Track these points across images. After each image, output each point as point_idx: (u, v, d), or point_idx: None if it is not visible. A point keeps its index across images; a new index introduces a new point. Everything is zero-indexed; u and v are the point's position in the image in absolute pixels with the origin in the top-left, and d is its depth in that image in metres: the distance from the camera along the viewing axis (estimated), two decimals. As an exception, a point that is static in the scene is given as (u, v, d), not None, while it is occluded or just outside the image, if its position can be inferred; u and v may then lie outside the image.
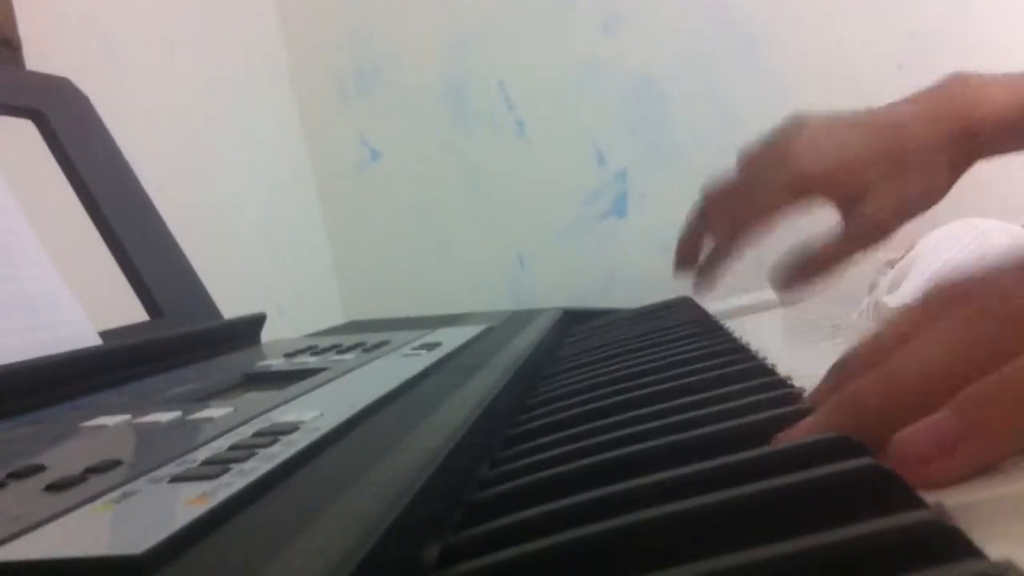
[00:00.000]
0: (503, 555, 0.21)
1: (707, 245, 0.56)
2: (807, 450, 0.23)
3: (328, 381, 0.40)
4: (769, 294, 0.57)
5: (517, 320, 0.64)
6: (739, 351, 0.42)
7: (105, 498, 0.23)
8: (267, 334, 0.63)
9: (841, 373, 0.28)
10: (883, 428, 0.23)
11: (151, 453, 0.28)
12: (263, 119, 1.21)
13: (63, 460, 0.28)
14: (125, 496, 0.23)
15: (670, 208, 1.22)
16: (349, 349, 0.50)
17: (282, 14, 1.27)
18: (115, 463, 0.26)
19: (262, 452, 0.26)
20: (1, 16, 0.72)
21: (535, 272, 1.25)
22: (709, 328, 0.53)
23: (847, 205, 0.51)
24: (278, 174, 1.22)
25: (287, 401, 0.35)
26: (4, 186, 0.49)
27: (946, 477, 0.21)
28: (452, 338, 0.52)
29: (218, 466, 0.25)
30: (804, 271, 0.52)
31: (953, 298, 0.27)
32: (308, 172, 1.29)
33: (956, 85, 0.51)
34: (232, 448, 0.27)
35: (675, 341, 0.48)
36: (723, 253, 0.55)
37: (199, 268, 0.63)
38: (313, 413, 0.32)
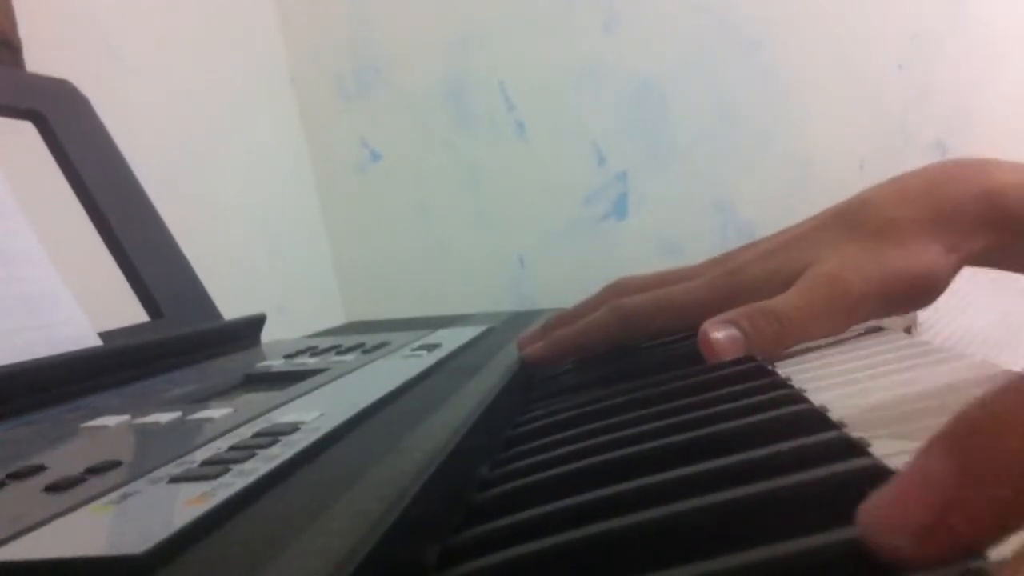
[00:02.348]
0: (503, 556, 0.21)
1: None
2: (807, 450, 0.23)
3: (328, 382, 0.40)
4: None
5: (518, 321, 0.64)
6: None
7: (105, 498, 0.23)
8: (267, 334, 0.63)
9: None
10: None
11: (151, 453, 0.28)
12: (263, 119, 1.21)
13: (63, 460, 0.28)
14: (125, 496, 0.23)
15: (670, 209, 1.23)
16: (349, 350, 0.50)
17: (282, 14, 1.27)
18: (115, 463, 0.26)
19: (262, 453, 0.26)
20: (1, 17, 0.72)
21: (535, 272, 1.25)
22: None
23: None
24: (278, 174, 1.22)
25: (287, 402, 0.35)
26: (4, 187, 0.49)
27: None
28: (452, 339, 0.52)
29: (218, 466, 0.25)
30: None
31: None
32: (308, 172, 1.29)
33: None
34: (232, 449, 0.27)
35: (676, 341, 0.48)
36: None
37: (199, 268, 0.63)
38: (313, 414, 0.32)
